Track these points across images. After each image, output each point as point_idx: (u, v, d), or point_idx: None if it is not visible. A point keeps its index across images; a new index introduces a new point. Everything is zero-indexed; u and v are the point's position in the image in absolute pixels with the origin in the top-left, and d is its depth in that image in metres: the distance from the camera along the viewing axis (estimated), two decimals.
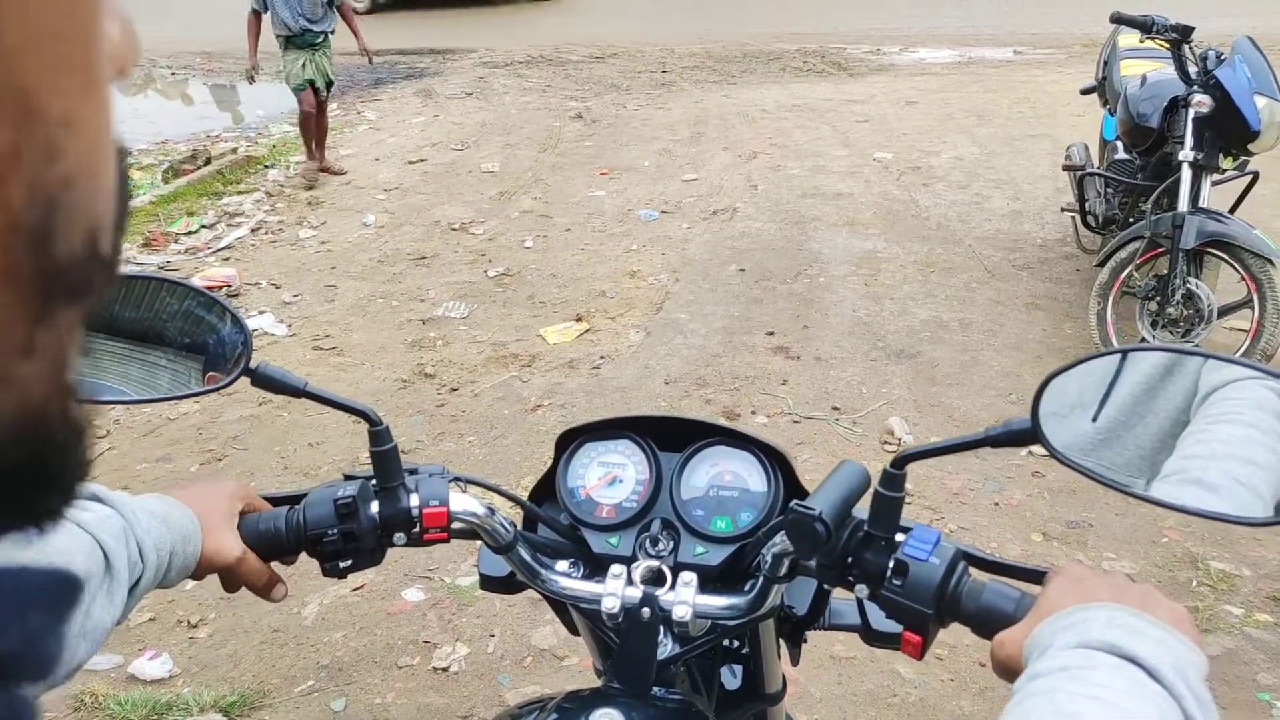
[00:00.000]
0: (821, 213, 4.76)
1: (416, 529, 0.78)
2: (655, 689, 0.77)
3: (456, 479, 0.81)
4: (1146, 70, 3.40)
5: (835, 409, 3.10)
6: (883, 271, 4.09)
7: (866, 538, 0.68)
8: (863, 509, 0.69)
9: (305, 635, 2.23)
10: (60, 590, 0.17)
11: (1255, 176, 3.16)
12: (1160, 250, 3.00)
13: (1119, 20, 3.10)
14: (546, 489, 0.88)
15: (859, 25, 9.05)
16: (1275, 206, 4.31)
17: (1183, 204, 2.93)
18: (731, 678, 0.89)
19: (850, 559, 0.69)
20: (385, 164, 6.02)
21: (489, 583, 0.87)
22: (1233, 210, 3.19)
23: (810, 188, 5.10)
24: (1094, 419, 0.65)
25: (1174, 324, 2.98)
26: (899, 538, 0.68)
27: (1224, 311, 2.94)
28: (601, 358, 3.53)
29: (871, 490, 0.70)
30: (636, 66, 8.14)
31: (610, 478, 0.86)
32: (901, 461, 0.67)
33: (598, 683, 0.84)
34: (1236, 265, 2.88)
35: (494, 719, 0.79)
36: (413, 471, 0.80)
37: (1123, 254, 3.10)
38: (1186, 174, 2.95)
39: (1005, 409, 3.03)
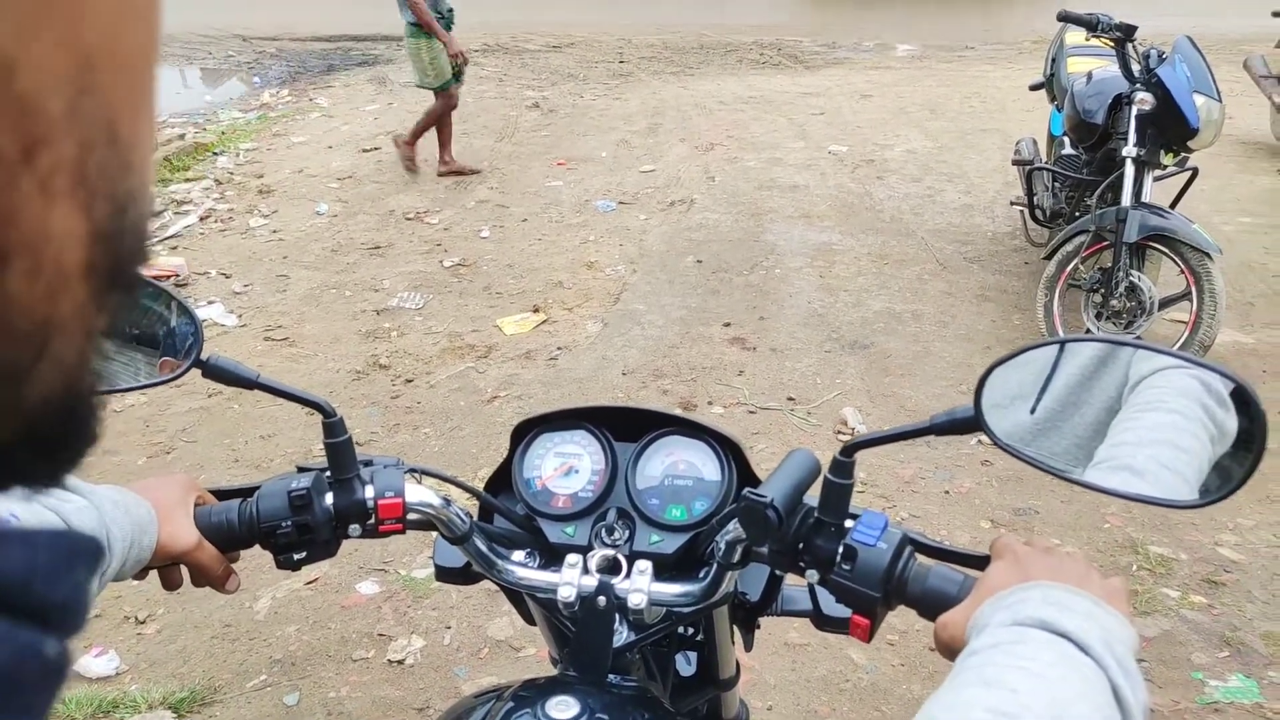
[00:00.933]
0: (778, 205, 4.80)
1: (371, 520, 0.78)
2: (611, 676, 0.78)
3: (412, 470, 0.81)
4: (1092, 68, 3.47)
5: (790, 399, 3.13)
6: (837, 263, 4.14)
7: (817, 524, 0.70)
8: (814, 496, 0.71)
9: (257, 630, 2.20)
10: (95, 553, 0.19)
11: (1195, 172, 3.26)
12: (1104, 244, 3.08)
13: (1066, 18, 3.17)
14: (502, 480, 0.89)
15: (814, 19, 9.12)
16: (1214, 202, 4.45)
17: (1126, 199, 3.01)
18: (686, 664, 0.90)
19: (801, 545, 0.70)
20: (338, 152, 5.93)
21: (445, 574, 0.87)
22: (1174, 205, 3.28)
23: (766, 180, 5.13)
24: (1033, 408, 0.67)
25: (1117, 316, 3.06)
26: (848, 524, 0.69)
27: (1165, 303, 3.02)
28: (559, 348, 3.52)
29: (822, 478, 0.71)
30: (594, 56, 8.11)
31: (566, 468, 0.86)
32: (851, 449, 0.69)
33: (554, 672, 0.84)
34: (1177, 259, 2.97)
35: (450, 708, 0.79)
36: (368, 463, 0.79)
37: (1069, 247, 3.18)
38: (1129, 170, 3.03)
39: (956, 398, 3.09)
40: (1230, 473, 0.61)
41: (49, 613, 0.17)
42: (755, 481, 0.83)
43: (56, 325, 0.18)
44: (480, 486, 0.87)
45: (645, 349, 3.49)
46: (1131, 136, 3.02)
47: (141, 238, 0.21)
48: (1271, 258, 4.03)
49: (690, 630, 0.87)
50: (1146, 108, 2.97)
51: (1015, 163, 4.10)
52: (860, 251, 4.26)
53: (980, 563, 0.66)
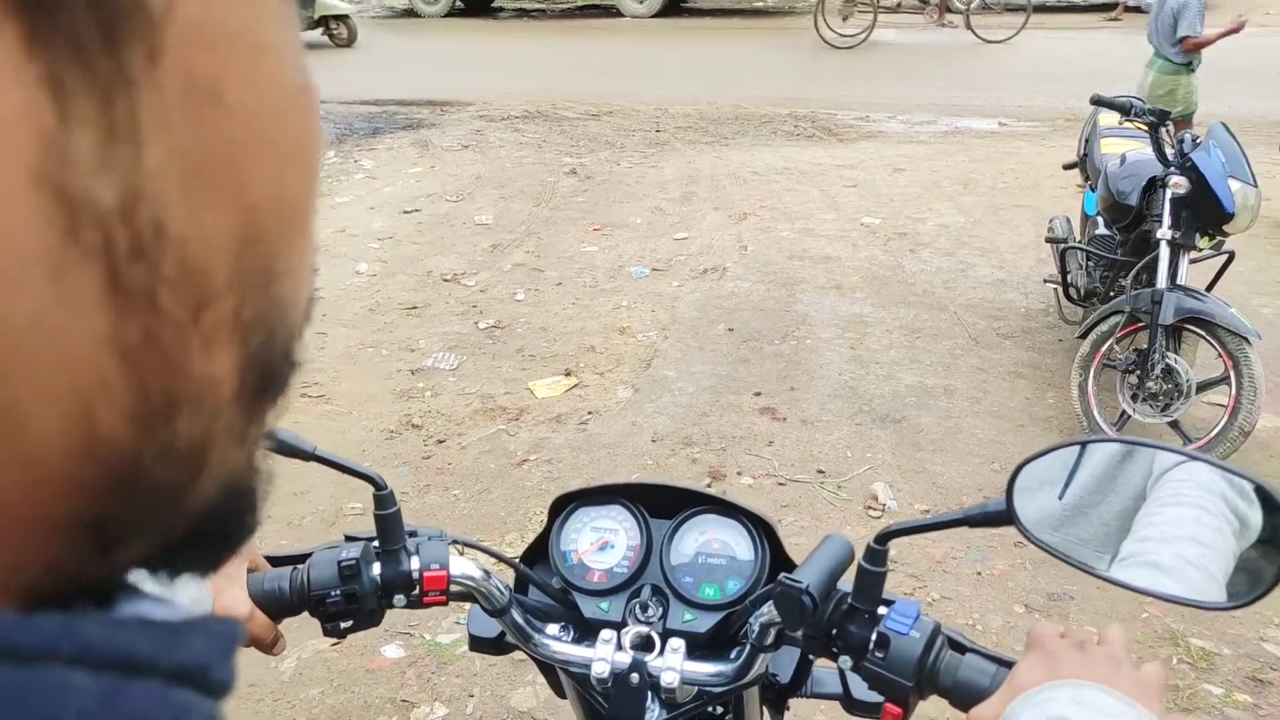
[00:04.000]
0: (810, 275, 4.84)
1: (416, 591, 0.80)
2: None
3: (455, 541, 0.83)
4: (1126, 149, 3.50)
5: (820, 472, 3.12)
6: (869, 335, 4.15)
7: (850, 610, 0.71)
8: (847, 581, 0.73)
9: (282, 691, 2.20)
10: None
11: (1231, 256, 3.25)
12: (1140, 325, 3.07)
13: (1099, 102, 3.21)
14: (539, 552, 0.91)
15: (850, 92, 9.28)
16: (1252, 284, 4.41)
17: (1161, 280, 3.00)
18: None
19: (835, 630, 0.72)
20: (380, 213, 6.08)
21: (478, 643, 0.89)
22: (1210, 288, 3.27)
23: (799, 250, 5.18)
24: (1061, 502, 0.70)
25: (1154, 398, 3.03)
26: (881, 610, 0.71)
27: (1203, 387, 2.99)
28: (589, 413, 3.54)
29: (856, 564, 0.72)
30: (631, 125, 8.29)
31: (602, 542, 0.88)
32: (885, 538, 0.71)
33: None
34: (1214, 343, 2.94)
35: None
36: (413, 534, 0.82)
37: (1104, 327, 3.16)
38: (1165, 252, 3.03)
39: (988, 477, 3.06)
40: (1261, 573, 0.62)
41: (219, 689, 0.19)
42: (787, 561, 0.86)
43: (212, 443, 0.20)
44: (515, 556, 0.89)
45: (675, 416, 3.50)
46: (1166, 219, 3.03)
47: (292, 352, 0.22)
48: None
49: (719, 709, 0.87)
50: (1181, 191, 2.98)
51: (1049, 240, 4.11)
52: (892, 324, 4.27)
53: (1010, 664, 0.67)
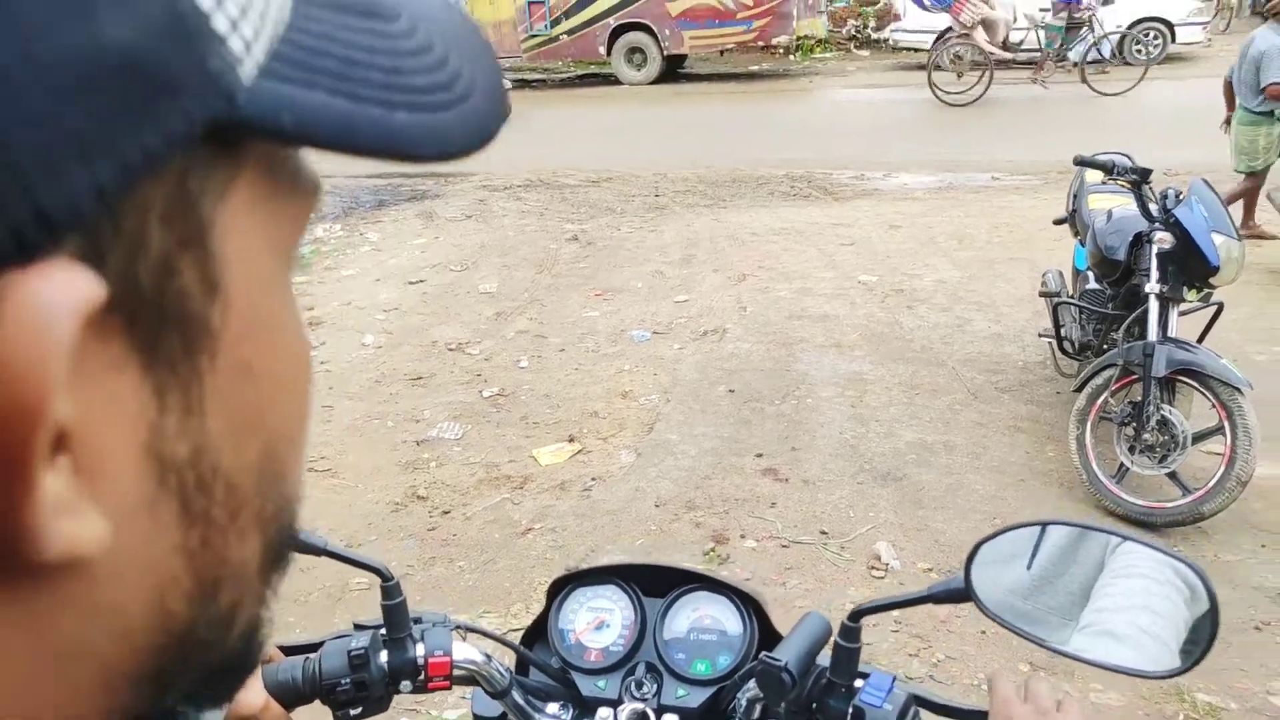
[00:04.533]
0: (808, 334, 4.90)
1: (422, 677, 0.83)
2: None
3: (458, 627, 0.87)
4: (1112, 205, 3.58)
5: (823, 533, 3.13)
6: (869, 393, 4.19)
7: (828, 685, 0.76)
8: (826, 656, 0.78)
9: None
10: None
11: (1220, 307, 3.30)
12: (1134, 378, 3.10)
13: (1081, 163, 3.30)
14: (539, 631, 0.96)
15: (845, 151, 9.46)
16: (1245, 331, 4.45)
17: (1152, 334, 3.05)
18: None
19: (814, 705, 0.76)
20: (385, 284, 6.20)
21: None
22: (1201, 339, 3.31)
23: (797, 310, 5.25)
24: (1023, 578, 0.75)
25: (1150, 450, 3.05)
26: (858, 684, 0.76)
27: (1198, 437, 3.02)
28: (593, 479, 3.57)
29: (832, 640, 0.77)
30: (630, 190, 8.46)
31: (598, 622, 0.92)
32: (857, 615, 0.77)
33: None
34: (1207, 394, 2.98)
35: None
36: (418, 620, 0.86)
37: (1098, 381, 3.20)
38: (1154, 305, 3.08)
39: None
40: (1191, 646, 0.67)
41: None
42: (775, 634, 0.90)
43: (242, 607, 0.26)
44: (518, 634, 0.95)
45: (678, 480, 3.53)
46: (1153, 273, 3.09)
47: (296, 530, 0.29)
48: None
49: None
50: (1166, 246, 3.05)
51: (1043, 294, 4.17)
52: (891, 381, 4.31)
53: (980, 718, 0.73)
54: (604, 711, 0.86)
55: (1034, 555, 0.75)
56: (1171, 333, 3.10)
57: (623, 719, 0.85)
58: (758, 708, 0.81)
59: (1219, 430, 2.95)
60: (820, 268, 6.00)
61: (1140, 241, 3.23)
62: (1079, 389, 3.28)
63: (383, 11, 0.24)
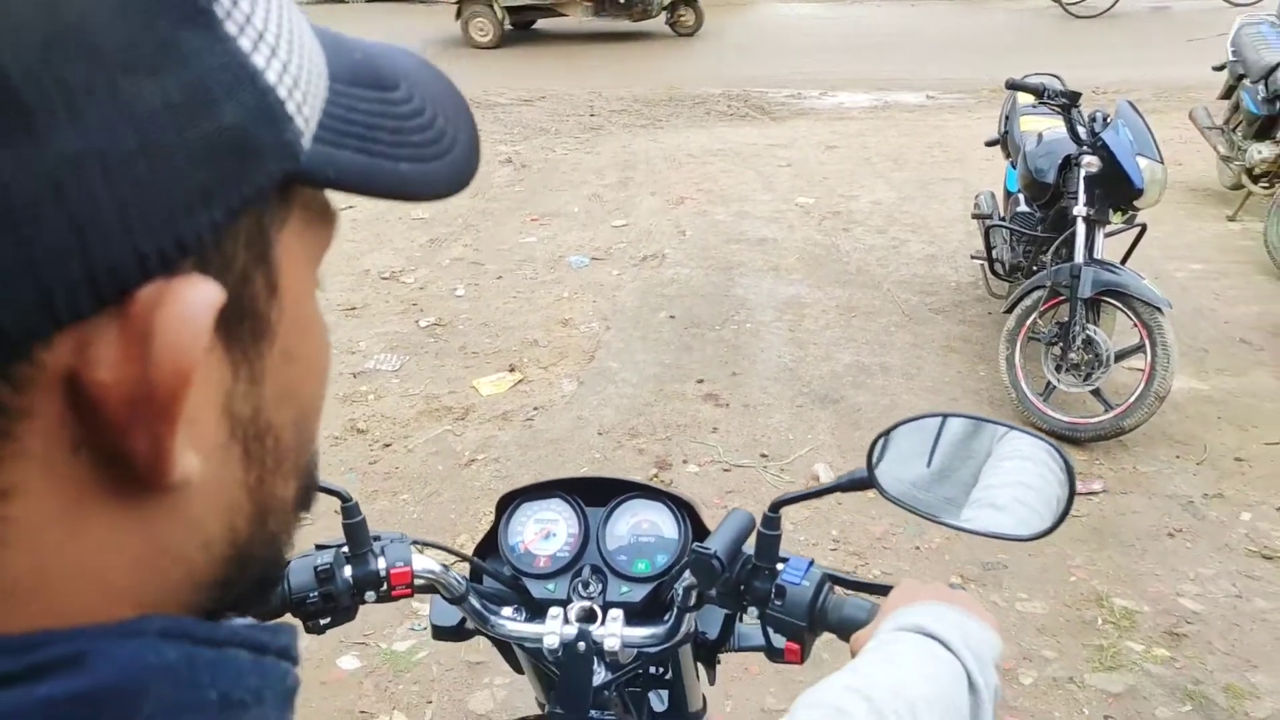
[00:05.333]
0: (747, 258, 4.91)
1: (384, 587, 0.90)
2: (593, 713, 0.90)
3: (415, 542, 0.94)
4: (1042, 128, 3.62)
5: (764, 456, 3.20)
6: (806, 317, 4.24)
7: (754, 569, 0.84)
8: (752, 546, 0.86)
9: None
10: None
11: (1143, 228, 3.39)
12: (1061, 299, 3.19)
13: (1013, 86, 3.31)
14: (490, 545, 1.02)
15: (780, 70, 9.35)
16: (1166, 248, 4.60)
17: (1079, 256, 3.13)
18: (659, 702, 1.03)
19: (742, 587, 0.84)
20: None
21: (441, 632, 1.01)
22: (1125, 259, 3.41)
23: (736, 233, 5.25)
24: (927, 465, 0.83)
25: (1076, 368, 3.16)
26: (779, 567, 0.84)
27: (1121, 355, 3.13)
28: (535, 409, 3.57)
29: (755, 531, 0.85)
30: (565, 110, 8.26)
31: (545, 532, 0.99)
32: (776, 506, 0.85)
33: (540, 712, 1.00)
34: (1129, 313, 3.08)
35: None
36: (377, 538, 0.92)
37: (1027, 302, 3.29)
38: (1081, 228, 3.15)
39: None
40: (1052, 512, 0.77)
41: (295, 660, 0.31)
42: (708, 534, 0.95)
43: (282, 532, 0.33)
44: (470, 552, 1.01)
45: (620, 408, 3.55)
46: (1081, 196, 3.15)
47: (317, 475, 0.36)
48: (1222, 304, 4.18)
49: (660, 669, 0.99)
50: (1093, 170, 3.10)
51: (975, 216, 4.23)
52: (828, 304, 4.36)
53: (885, 591, 0.80)
54: (554, 610, 0.93)
55: (933, 447, 0.83)
56: (1097, 254, 3.19)
57: (572, 616, 0.92)
58: (693, 594, 0.88)
59: (1140, 348, 3.07)
60: (758, 190, 5.99)
61: (1069, 165, 3.28)
62: (1009, 310, 3.37)
63: (386, 83, 0.32)
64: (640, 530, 0.98)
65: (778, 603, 0.82)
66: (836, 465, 3.12)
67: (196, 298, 0.24)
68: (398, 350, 4.10)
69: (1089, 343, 3.13)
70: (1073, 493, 0.77)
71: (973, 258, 4.10)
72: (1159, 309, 3.00)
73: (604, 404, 3.58)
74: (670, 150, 6.96)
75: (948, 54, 9.77)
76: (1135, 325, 3.07)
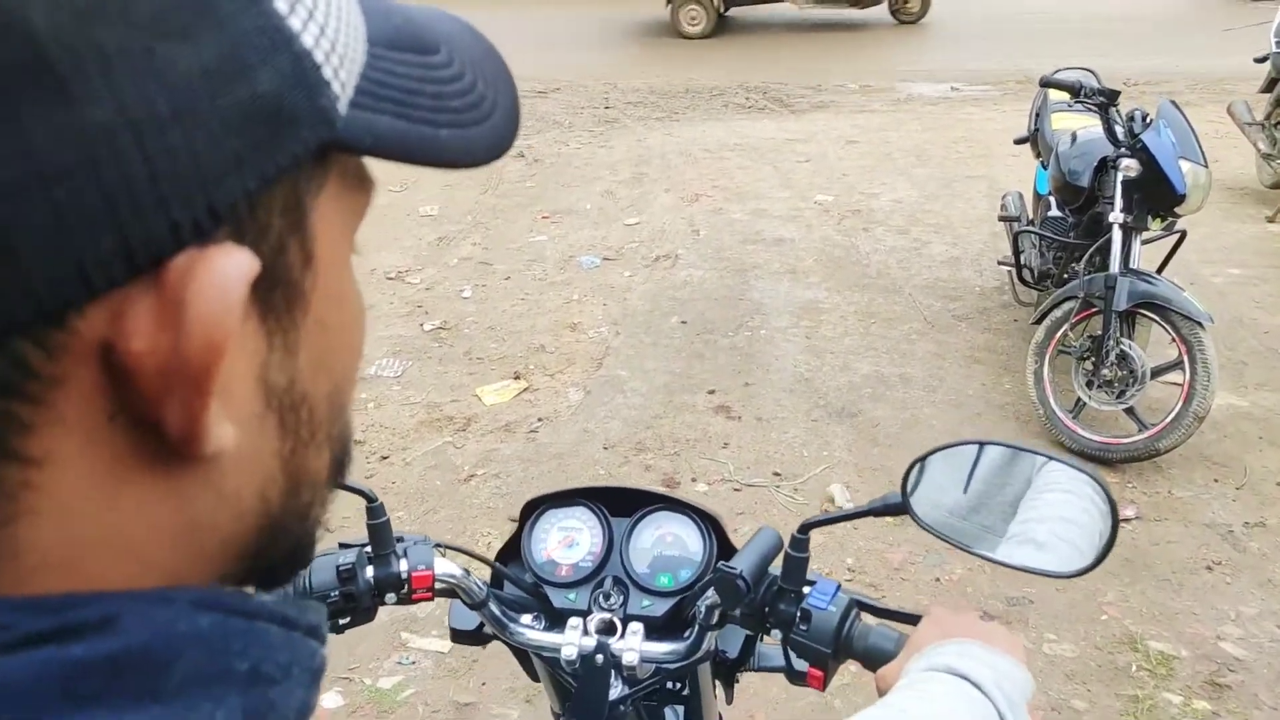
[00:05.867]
0: (763, 260, 4.74)
1: (405, 590, 0.89)
2: None
3: (438, 545, 0.93)
4: (1076, 127, 3.43)
5: (776, 474, 3.05)
6: (824, 323, 4.07)
7: (780, 591, 0.82)
8: (778, 567, 0.84)
9: None
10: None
11: (1182, 235, 3.20)
12: (1094, 310, 3.01)
13: (1048, 84, 3.13)
14: (512, 551, 1.01)
15: (802, 65, 9.14)
16: (1202, 251, 4.39)
17: (1114, 265, 2.95)
18: (674, 717, 1.01)
19: (767, 609, 0.82)
20: None
21: (459, 635, 0.99)
22: (1161, 268, 3.23)
23: (752, 233, 5.08)
24: (963, 492, 0.80)
25: (1109, 385, 2.99)
26: (806, 590, 0.82)
27: (1157, 372, 2.95)
28: (539, 420, 3.43)
29: (783, 552, 0.83)
30: (579, 102, 8.10)
31: (569, 540, 0.98)
32: (806, 528, 0.83)
33: None
34: (1167, 327, 2.90)
35: None
36: (400, 539, 0.91)
37: (1057, 313, 3.11)
38: (1117, 235, 2.97)
39: None
40: (1093, 548, 0.74)
41: (323, 639, 0.30)
42: (733, 550, 0.94)
43: (314, 506, 0.32)
44: (491, 557, 1.00)
45: (628, 420, 3.40)
46: (1118, 202, 2.97)
47: (351, 449, 0.34)
48: (1262, 312, 3.97)
49: (678, 685, 0.98)
50: (1132, 174, 2.92)
51: (1002, 219, 4.05)
52: (847, 309, 4.20)
53: (914, 620, 0.78)
54: (574, 620, 0.92)
55: (970, 474, 0.80)
56: (1134, 263, 3.00)
57: (592, 627, 0.91)
58: (716, 613, 0.87)
59: (1178, 365, 2.89)
60: (775, 187, 5.81)
61: (1105, 167, 3.09)
62: (1038, 321, 3.19)
63: (427, 47, 0.31)
64: (665, 543, 0.97)
65: (803, 627, 0.81)
66: (853, 486, 2.97)
67: (230, 268, 0.24)
68: (400, 355, 3.98)
69: (1123, 358, 2.95)
70: (1115, 528, 0.74)
71: (1000, 263, 3.92)
72: (1200, 324, 2.82)
73: (611, 415, 3.44)
74: (686, 144, 6.79)
75: (971, 43, 9.52)
76: (1174, 340, 2.89)
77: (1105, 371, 2.97)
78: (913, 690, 0.63)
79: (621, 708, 0.90)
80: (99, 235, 0.21)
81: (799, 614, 0.81)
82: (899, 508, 0.79)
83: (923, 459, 0.80)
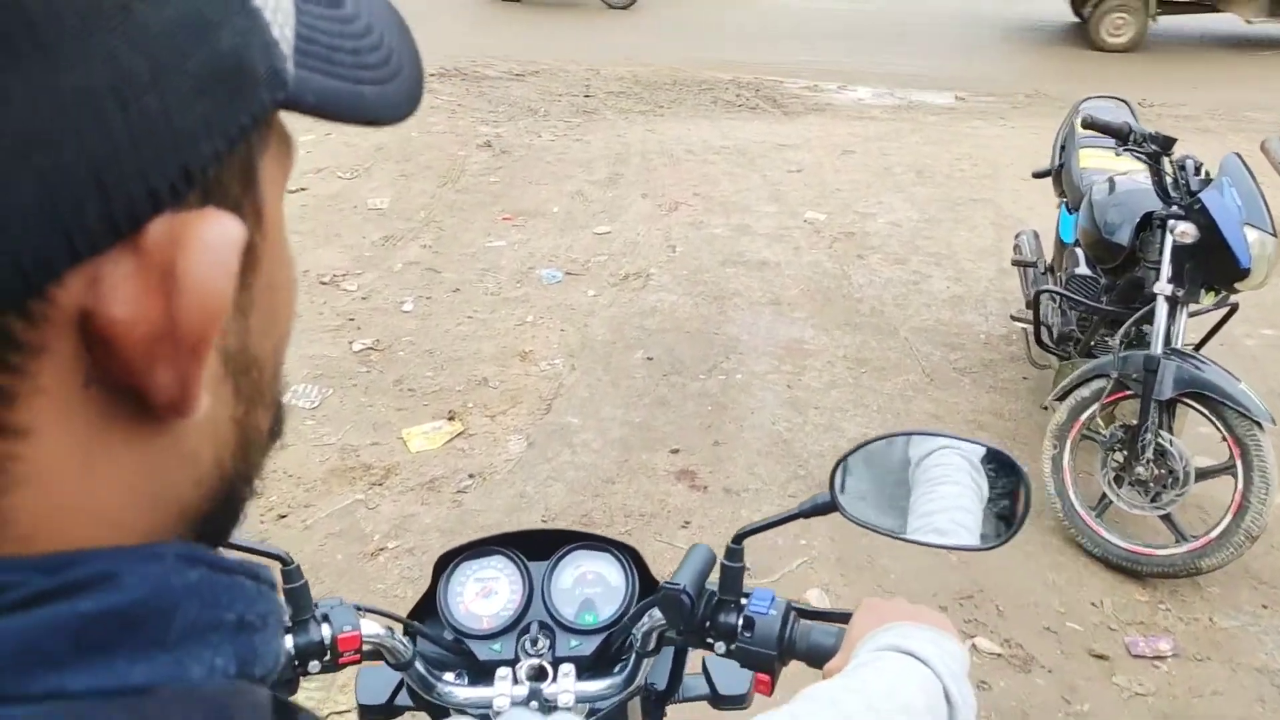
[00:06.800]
0: (744, 286, 4.24)
1: (329, 656, 0.84)
2: None
3: (358, 607, 0.87)
4: (1113, 169, 2.95)
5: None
6: (808, 369, 3.58)
7: (719, 603, 0.85)
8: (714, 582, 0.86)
9: None
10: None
11: (1234, 309, 2.74)
12: (1128, 394, 2.55)
13: (1092, 126, 2.63)
14: (426, 608, 0.98)
15: (797, 57, 8.61)
16: (1249, 322, 3.92)
17: (1157, 344, 2.48)
18: None
19: (708, 623, 0.84)
20: None
21: (368, 711, 0.95)
22: (1202, 344, 2.77)
23: (733, 253, 4.57)
24: (887, 484, 0.86)
25: (1142, 485, 2.52)
26: (743, 600, 0.85)
27: (1203, 475, 2.49)
28: (470, 477, 2.92)
29: (719, 564, 0.86)
30: (557, 88, 7.52)
31: (486, 590, 0.96)
32: (740, 538, 0.86)
33: None
34: (1218, 424, 2.44)
35: None
36: (315, 605, 0.86)
37: (1084, 393, 2.64)
38: (1162, 309, 2.50)
39: (946, 578, 2.54)
40: (1009, 522, 0.82)
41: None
42: (654, 581, 0.96)
43: (258, 466, 0.32)
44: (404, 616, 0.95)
45: (574, 483, 2.90)
46: (1165, 270, 2.49)
47: (284, 402, 0.34)
48: None
49: None
50: (1187, 240, 2.44)
51: (1016, 263, 3.57)
52: (835, 353, 3.71)
53: (845, 618, 0.79)
54: (502, 671, 0.90)
55: (894, 466, 0.85)
56: (1177, 342, 2.53)
57: (522, 675, 0.89)
58: (654, 636, 0.87)
59: (1228, 469, 2.43)
60: (763, 199, 5.29)
61: (1151, 225, 2.61)
62: (1060, 398, 2.72)
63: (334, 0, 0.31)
64: (586, 581, 0.96)
65: (746, 634, 0.82)
66: (836, 590, 2.49)
67: (224, 236, 0.24)
68: (321, 380, 3.45)
69: (1162, 455, 2.48)
70: (1029, 498, 0.81)
71: (1013, 318, 3.43)
72: (1258, 423, 2.35)
73: (555, 476, 2.93)
74: (668, 143, 6.25)
75: (981, 50, 9.03)
76: (1225, 440, 2.42)
77: (1139, 469, 2.50)
78: (865, 669, 0.66)
79: None
80: (84, 202, 0.21)
81: (741, 623, 0.82)
82: (828, 506, 0.81)
83: (846, 457, 0.83)
